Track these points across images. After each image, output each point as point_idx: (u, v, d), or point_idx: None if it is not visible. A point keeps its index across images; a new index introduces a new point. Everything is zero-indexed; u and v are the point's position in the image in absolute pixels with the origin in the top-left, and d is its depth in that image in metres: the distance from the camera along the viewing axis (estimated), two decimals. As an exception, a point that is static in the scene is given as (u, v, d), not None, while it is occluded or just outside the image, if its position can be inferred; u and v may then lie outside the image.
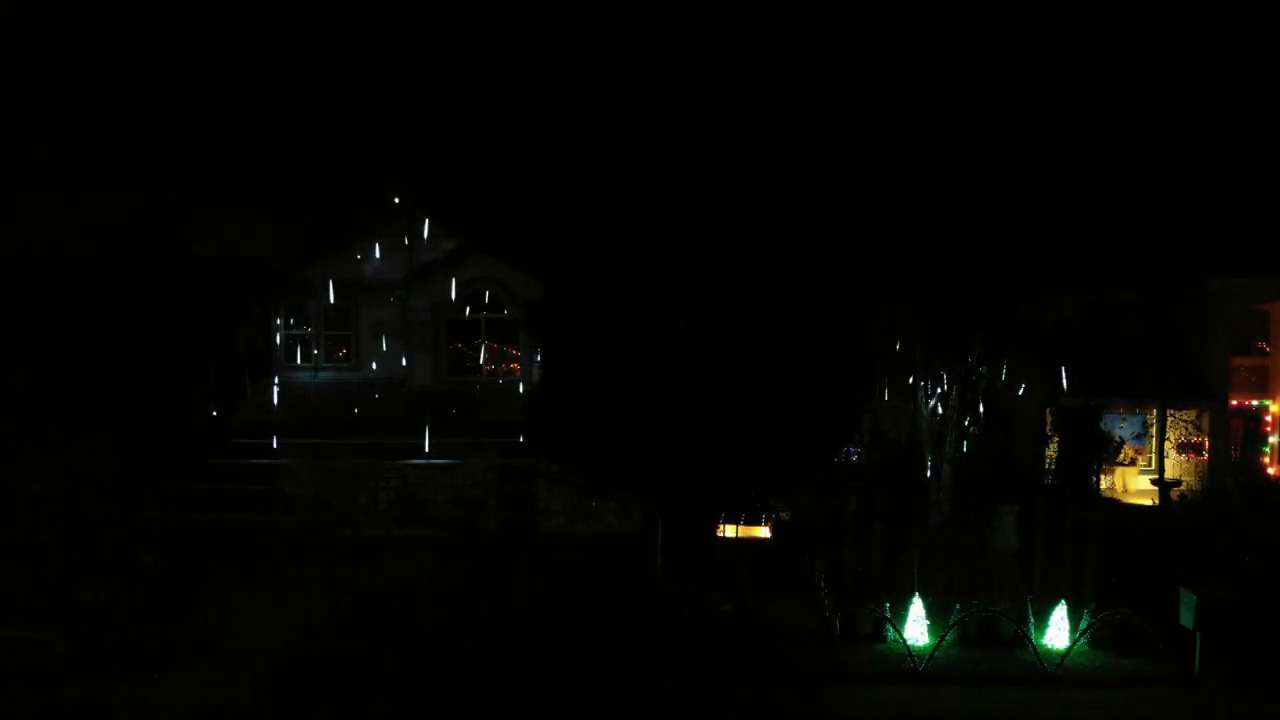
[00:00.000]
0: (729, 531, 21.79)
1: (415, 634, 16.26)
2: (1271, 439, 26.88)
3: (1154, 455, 27.34)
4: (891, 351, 22.18)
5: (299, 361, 25.35)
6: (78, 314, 24.76)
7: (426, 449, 23.42)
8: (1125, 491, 27.18)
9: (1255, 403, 27.10)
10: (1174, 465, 27.28)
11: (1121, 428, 27.63)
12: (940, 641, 15.19)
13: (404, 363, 25.06)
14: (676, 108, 18.20)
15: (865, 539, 17.68)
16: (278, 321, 25.46)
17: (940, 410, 22.37)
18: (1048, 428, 26.29)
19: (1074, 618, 15.62)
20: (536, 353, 22.49)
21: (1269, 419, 27.00)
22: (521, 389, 23.96)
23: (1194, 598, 14.64)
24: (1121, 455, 27.41)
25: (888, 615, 16.01)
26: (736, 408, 17.03)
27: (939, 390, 22.49)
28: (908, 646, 15.09)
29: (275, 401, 23.82)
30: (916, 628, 15.65)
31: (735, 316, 17.16)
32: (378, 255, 25.25)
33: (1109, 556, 17.09)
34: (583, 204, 18.47)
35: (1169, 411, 27.16)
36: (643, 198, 17.58)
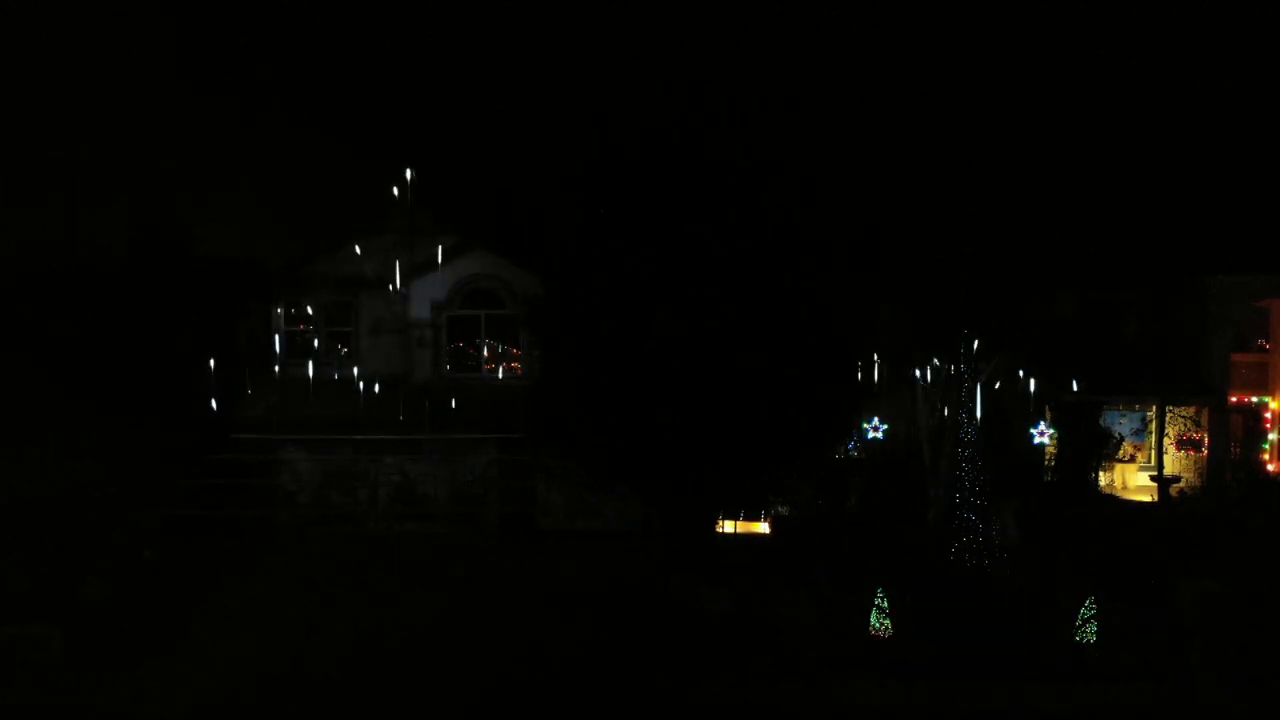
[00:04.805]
0: (729, 527, 21.82)
1: (415, 631, 16.30)
2: (1271, 436, 26.89)
3: (1153, 452, 27.36)
4: (891, 348, 22.20)
5: (299, 358, 25.36)
6: (79, 312, 24.80)
7: (427, 445, 23.45)
8: (1125, 488, 27.19)
9: (1255, 399, 27.10)
10: (1173, 462, 27.28)
11: (1121, 424, 27.65)
12: (941, 636, 15.20)
13: (404, 358, 25.08)
14: (675, 107, 18.23)
15: (864, 534, 17.71)
16: (278, 311, 25.48)
17: (939, 405, 22.39)
18: (1047, 424, 26.30)
19: (1072, 612, 15.62)
20: (537, 349, 22.50)
21: (1269, 416, 27.01)
22: (522, 385, 24.00)
23: (1193, 593, 14.68)
24: (1121, 452, 27.43)
25: (887, 610, 16.01)
26: (736, 404, 17.05)
27: (938, 386, 22.52)
28: (908, 641, 15.08)
29: (276, 397, 23.84)
30: (916, 622, 15.65)
31: (735, 314, 17.18)
32: (378, 252, 25.26)
33: (1107, 551, 17.12)
34: (583, 200, 18.50)
35: (1168, 408, 27.18)
36: (642, 196, 17.60)
